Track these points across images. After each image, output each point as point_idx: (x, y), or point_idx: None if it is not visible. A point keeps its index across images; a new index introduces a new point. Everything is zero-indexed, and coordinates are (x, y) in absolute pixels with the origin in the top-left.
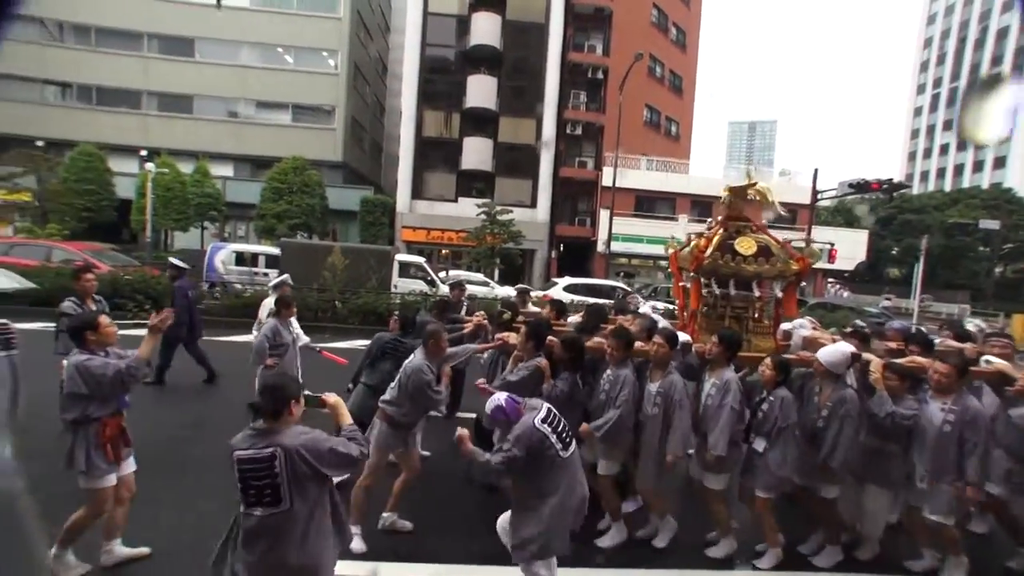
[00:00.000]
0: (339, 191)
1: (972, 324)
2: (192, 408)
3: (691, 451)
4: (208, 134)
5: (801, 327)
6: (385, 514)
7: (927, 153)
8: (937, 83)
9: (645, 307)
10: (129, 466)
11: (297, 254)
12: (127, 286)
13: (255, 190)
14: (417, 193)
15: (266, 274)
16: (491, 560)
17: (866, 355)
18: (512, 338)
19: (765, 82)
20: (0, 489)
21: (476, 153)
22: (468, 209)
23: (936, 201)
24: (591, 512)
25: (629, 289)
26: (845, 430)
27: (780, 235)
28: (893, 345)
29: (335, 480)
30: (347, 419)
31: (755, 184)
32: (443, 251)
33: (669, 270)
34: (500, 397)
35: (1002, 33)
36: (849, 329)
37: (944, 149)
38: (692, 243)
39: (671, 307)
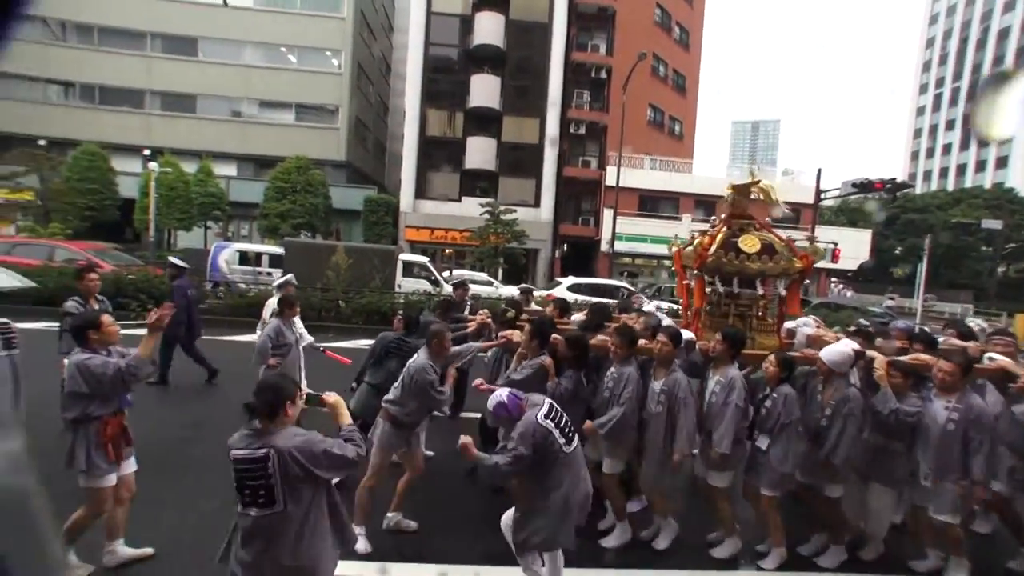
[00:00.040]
0: (343, 190)
1: (973, 323)
2: (194, 408)
3: (695, 451)
4: (211, 133)
5: (805, 325)
6: (389, 514)
7: (930, 152)
8: (939, 83)
9: (649, 307)
10: (130, 466)
11: (301, 254)
12: (130, 286)
13: (258, 189)
14: (421, 192)
15: (269, 273)
16: (497, 560)
17: (870, 352)
18: (516, 336)
19: (768, 82)
20: (12, 486)
21: (480, 152)
22: (472, 208)
23: (939, 201)
24: (592, 511)
25: (633, 289)
26: (848, 429)
27: (784, 234)
28: (899, 344)
29: (334, 480)
30: (346, 419)
31: (758, 182)
32: (447, 251)
33: (673, 269)
34: (502, 393)
35: (1003, 33)
36: (853, 328)
37: (947, 148)
38: (696, 241)
39: (675, 307)
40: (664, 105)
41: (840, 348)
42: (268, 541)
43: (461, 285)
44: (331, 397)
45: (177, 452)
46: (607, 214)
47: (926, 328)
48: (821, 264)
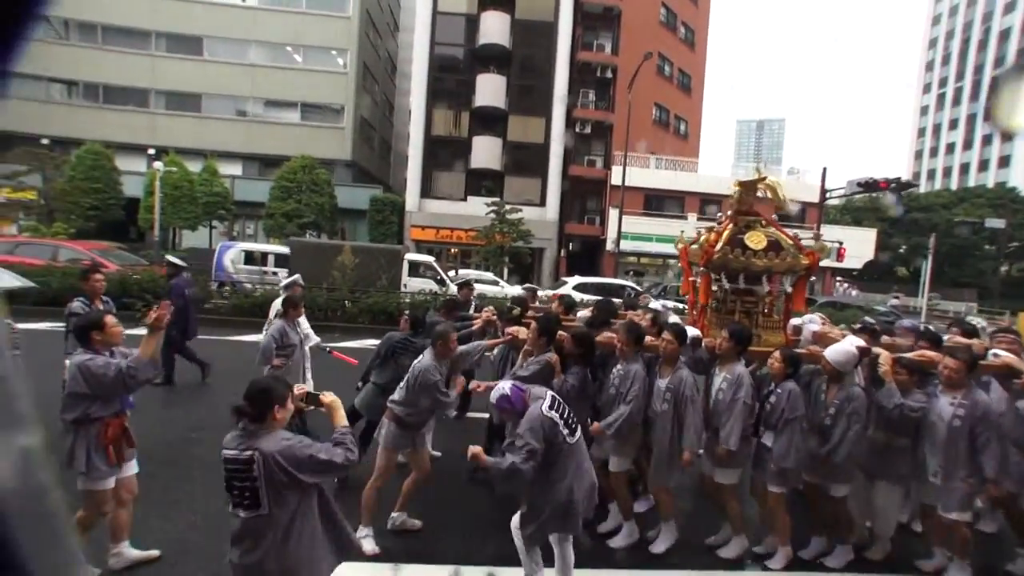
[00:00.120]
0: (348, 190)
1: (973, 322)
2: (198, 408)
3: (701, 450)
4: (216, 133)
5: (811, 322)
6: (394, 514)
7: (933, 152)
8: (942, 83)
9: (655, 306)
10: (131, 468)
11: (307, 253)
12: (135, 285)
13: (264, 189)
14: (426, 192)
15: (275, 273)
16: (505, 561)
17: (875, 349)
18: (522, 333)
19: (773, 81)
20: (30, 483)
21: (485, 152)
22: (477, 208)
23: (943, 200)
24: (595, 513)
25: (640, 289)
26: (851, 428)
27: (790, 232)
28: (906, 342)
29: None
30: (341, 421)
31: (765, 179)
32: (452, 250)
33: (679, 266)
34: (505, 386)
35: (1004, 35)
36: (858, 326)
37: (950, 148)
38: (702, 238)
39: (681, 305)
40: (669, 104)
41: (845, 347)
42: (255, 543)
43: (466, 285)
44: (327, 397)
45: (182, 453)
46: (613, 213)
47: (931, 327)
48: (826, 263)
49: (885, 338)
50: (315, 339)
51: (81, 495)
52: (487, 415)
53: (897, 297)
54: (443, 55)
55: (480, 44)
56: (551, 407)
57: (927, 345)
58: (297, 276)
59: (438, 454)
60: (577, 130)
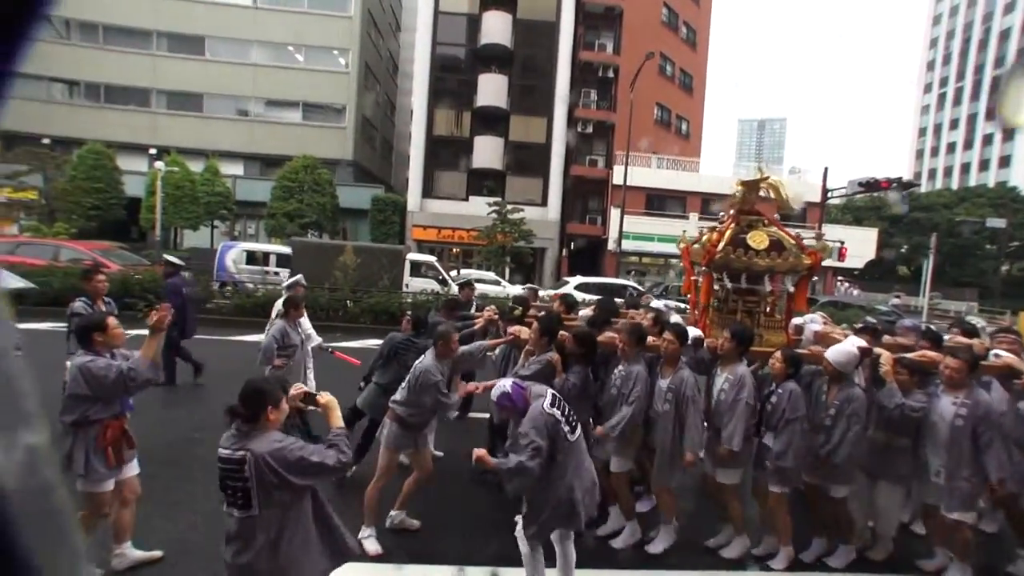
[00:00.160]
0: (350, 190)
1: (973, 321)
2: (201, 409)
3: (702, 452)
4: (218, 132)
5: (812, 322)
6: (393, 512)
7: (934, 151)
8: (943, 82)
9: (657, 305)
10: (132, 469)
11: (309, 253)
12: (137, 285)
13: (265, 189)
14: (428, 192)
15: (277, 273)
16: (507, 561)
17: (877, 349)
18: (523, 333)
19: (774, 80)
20: (36, 481)
21: (487, 151)
22: (479, 208)
23: (944, 199)
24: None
25: (642, 289)
26: (851, 428)
27: (792, 232)
28: (909, 341)
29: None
30: (337, 422)
31: (767, 178)
32: (454, 250)
33: (680, 266)
34: (506, 383)
35: (1004, 35)
36: (860, 325)
37: (951, 147)
38: (704, 237)
39: (683, 305)
40: (671, 104)
41: (846, 348)
42: (246, 543)
43: (467, 285)
44: (323, 398)
45: (184, 453)
46: (614, 213)
47: (932, 326)
48: (828, 262)
49: (887, 338)
50: (317, 339)
51: (81, 497)
52: (488, 415)
53: (898, 296)
54: (445, 55)
55: (482, 44)
56: (552, 404)
57: (928, 345)
58: (299, 276)
59: (440, 454)
60: (579, 130)
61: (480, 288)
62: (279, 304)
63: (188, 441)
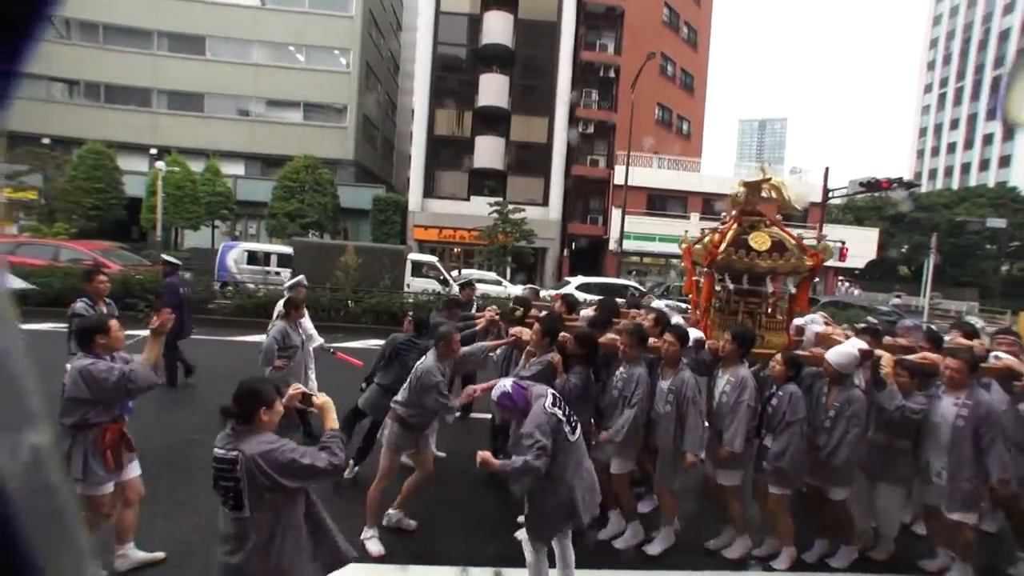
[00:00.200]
0: (351, 190)
1: (972, 320)
2: (202, 409)
3: (702, 454)
4: (219, 132)
5: (813, 323)
6: (391, 511)
7: (935, 151)
8: (943, 82)
9: (658, 305)
10: (133, 470)
11: (310, 253)
12: (138, 286)
13: (266, 189)
14: (429, 191)
15: (278, 273)
16: (509, 562)
17: (878, 351)
18: (525, 334)
19: (775, 80)
20: (39, 480)
21: (488, 151)
22: (480, 207)
23: (945, 199)
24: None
25: (643, 289)
26: (850, 430)
27: (793, 232)
28: (903, 342)
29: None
30: (332, 424)
31: (770, 179)
32: (455, 250)
33: (682, 265)
34: (506, 383)
35: (1004, 35)
36: (862, 325)
37: (951, 147)
38: (707, 238)
39: (684, 305)
40: (672, 104)
41: (846, 349)
42: (239, 544)
43: (468, 285)
44: (318, 399)
45: (186, 454)
46: (615, 213)
47: (933, 326)
48: (829, 262)
49: (888, 339)
50: (319, 340)
51: (80, 500)
52: (490, 416)
53: (899, 296)
54: (446, 55)
55: (483, 44)
56: (553, 404)
57: (928, 346)
58: (301, 277)
59: (443, 455)
60: (580, 130)
61: (481, 288)
62: (280, 305)
63: (190, 442)
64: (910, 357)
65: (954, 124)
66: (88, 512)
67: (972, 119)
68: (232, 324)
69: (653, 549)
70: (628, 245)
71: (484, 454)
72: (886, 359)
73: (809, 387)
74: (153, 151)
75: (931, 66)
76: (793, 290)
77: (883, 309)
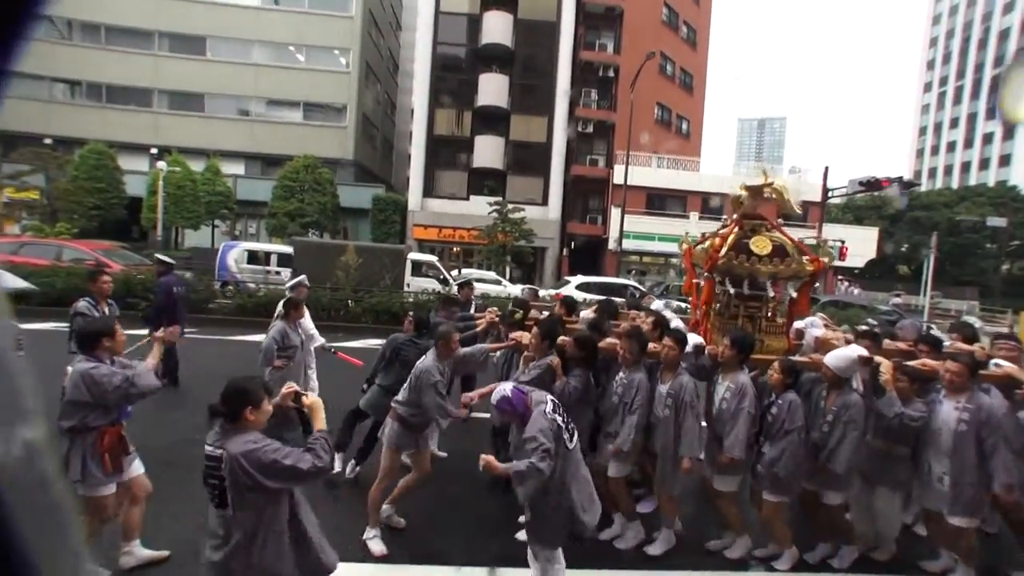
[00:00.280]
0: (350, 189)
1: (972, 321)
2: (202, 409)
3: (700, 456)
4: (219, 132)
5: (813, 326)
6: (384, 506)
7: (935, 150)
8: (943, 81)
9: (657, 305)
10: (137, 468)
11: (310, 253)
12: (139, 285)
13: (266, 188)
14: (429, 191)
15: (278, 273)
16: (508, 562)
17: (877, 358)
18: (525, 338)
19: (775, 79)
20: (34, 476)
21: (488, 151)
22: (480, 207)
23: (945, 198)
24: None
25: (643, 289)
26: (848, 435)
27: (791, 233)
28: (903, 345)
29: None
30: (320, 424)
31: (772, 183)
32: (455, 249)
33: (682, 267)
34: (506, 387)
35: (1004, 34)
36: (863, 328)
37: (951, 146)
38: (707, 242)
39: (683, 305)
40: (671, 104)
41: (845, 353)
42: (223, 541)
43: (466, 284)
44: (308, 399)
45: (186, 454)
46: (615, 212)
47: (932, 326)
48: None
49: (887, 343)
50: (320, 340)
51: (82, 501)
52: (490, 416)
53: (899, 295)
54: (445, 54)
55: (482, 44)
56: (553, 411)
57: (927, 349)
58: (302, 277)
59: (443, 455)
60: (579, 129)
61: (481, 288)
62: (281, 305)
63: (190, 442)
64: (910, 363)
65: (954, 123)
66: (91, 513)
67: (972, 118)
68: (232, 324)
69: (654, 550)
70: (627, 244)
71: (487, 458)
72: (885, 365)
73: (808, 392)
74: (154, 151)
75: (931, 65)
76: (794, 294)
77: (883, 308)
